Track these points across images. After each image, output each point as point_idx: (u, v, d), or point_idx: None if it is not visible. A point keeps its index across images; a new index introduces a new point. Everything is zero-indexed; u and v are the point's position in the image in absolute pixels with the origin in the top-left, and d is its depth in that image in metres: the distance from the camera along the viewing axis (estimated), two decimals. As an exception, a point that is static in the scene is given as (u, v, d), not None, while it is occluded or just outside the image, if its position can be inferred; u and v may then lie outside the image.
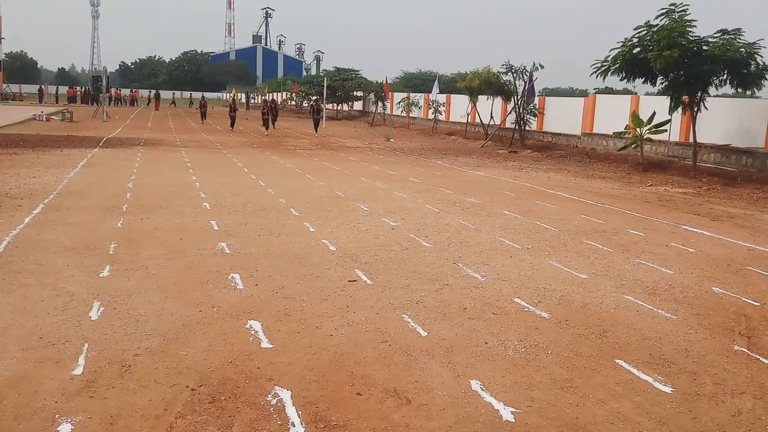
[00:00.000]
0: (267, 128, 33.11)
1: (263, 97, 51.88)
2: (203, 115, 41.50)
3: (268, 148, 24.47)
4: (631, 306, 6.70)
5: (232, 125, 35.24)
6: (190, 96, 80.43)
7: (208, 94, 78.54)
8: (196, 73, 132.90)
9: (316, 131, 34.13)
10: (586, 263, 8.38)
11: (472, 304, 6.52)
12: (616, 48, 19.41)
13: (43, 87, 69.34)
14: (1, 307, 5.85)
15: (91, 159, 17.83)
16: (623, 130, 21.85)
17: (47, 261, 7.40)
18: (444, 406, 4.34)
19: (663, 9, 18.26)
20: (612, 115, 24.66)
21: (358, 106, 56.73)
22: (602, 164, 22.06)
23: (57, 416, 3.99)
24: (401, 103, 45.32)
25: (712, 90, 19.19)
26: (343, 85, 52.68)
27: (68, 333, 5.31)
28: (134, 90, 79.50)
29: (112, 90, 70.41)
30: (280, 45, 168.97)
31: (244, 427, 3.95)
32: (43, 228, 9.03)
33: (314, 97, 49.49)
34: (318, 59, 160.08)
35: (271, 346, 5.24)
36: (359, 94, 53.00)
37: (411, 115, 44.22)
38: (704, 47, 18.07)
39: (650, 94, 26.75)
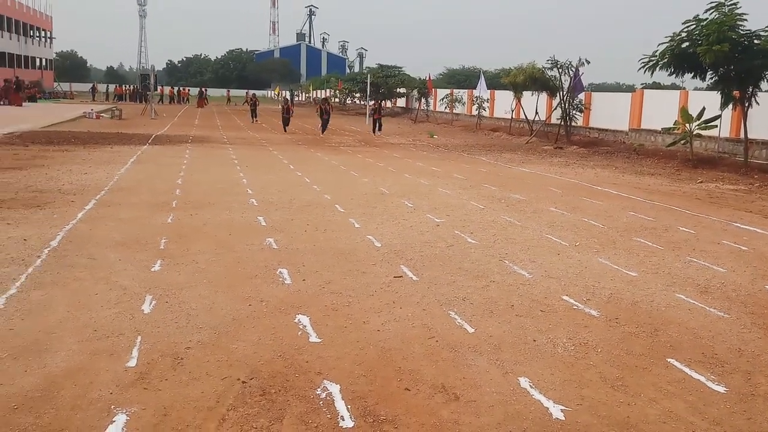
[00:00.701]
0: (324, 130, 30.81)
1: (314, 97, 50.80)
2: (253, 114, 38.87)
3: (313, 145, 24.64)
4: (683, 304, 6.58)
5: (285, 126, 31.80)
6: (228, 93, 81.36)
7: (258, 92, 79.34)
8: (241, 71, 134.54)
9: (375, 132, 32.02)
10: (636, 261, 8.25)
11: (520, 301, 6.48)
12: (665, 42, 19.04)
13: (95, 85, 70.92)
14: (57, 300, 6.01)
15: (140, 156, 18.19)
16: (672, 126, 21.43)
17: (100, 255, 7.57)
18: (493, 403, 4.33)
19: (713, 2, 17.85)
20: (660, 111, 24.21)
21: (401, 102, 56.70)
22: (650, 160, 21.68)
23: (112, 407, 4.08)
24: (445, 100, 45.18)
25: (763, 85, 18.71)
26: (386, 82, 52.68)
27: (122, 326, 5.43)
28: (183, 87, 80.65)
29: (166, 88, 71.69)
30: (323, 42, 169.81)
31: (295, 420, 4.00)
32: (96, 223, 9.24)
33: (355, 93, 49.16)
34: (361, 56, 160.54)
35: (320, 340, 5.28)
36: (402, 90, 52.95)
37: (454, 111, 44.05)
38: (756, 41, 17.60)
39: (699, 89, 26.21)
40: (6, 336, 5.11)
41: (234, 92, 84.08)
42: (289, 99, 36.76)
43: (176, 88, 75.22)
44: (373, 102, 38.29)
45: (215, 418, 3.99)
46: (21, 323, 5.39)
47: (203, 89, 66.61)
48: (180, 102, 68.46)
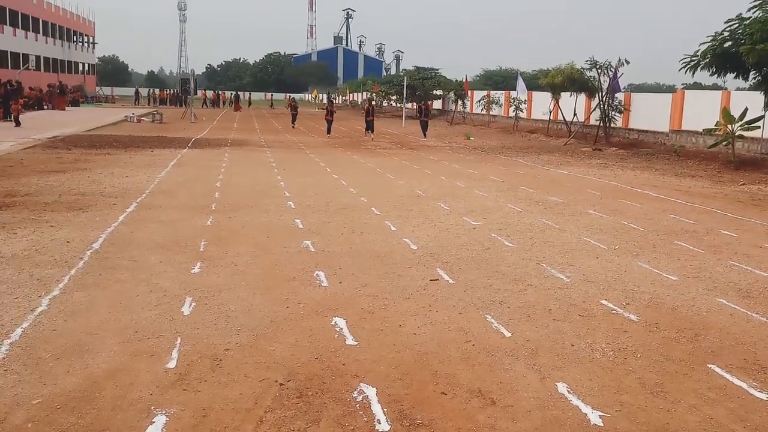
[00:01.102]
0: (371, 131, 30.05)
1: (363, 100, 50.26)
2: (293, 119, 37.20)
3: (349, 147, 24.74)
4: (724, 309, 6.46)
5: (329, 131, 30.84)
6: (271, 97, 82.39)
7: (297, 95, 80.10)
8: (279, 74, 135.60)
9: (425, 135, 31.04)
10: (676, 264, 8.12)
11: (557, 305, 6.42)
12: (706, 42, 18.73)
13: (138, 90, 72.22)
14: (99, 301, 6.13)
15: (180, 159, 18.45)
16: (713, 127, 21.02)
17: (141, 257, 7.71)
18: (530, 408, 4.30)
19: (756, 1, 17.49)
20: (701, 112, 23.77)
21: (437, 105, 56.61)
22: (691, 162, 21.31)
23: (152, 408, 4.15)
24: (481, 101, 44.98)
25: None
26: (423, 84, 52.64)
27: (162, 327, 5.52)
28: (222, 92, 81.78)
29: (208, 92, 72.85)
30: (360, 45, 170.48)
31: (331, 423, 4.02)
32: (137, 225, 9.41)
33: (392, 96, 48.80)
34: (398, 59, 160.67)
35: (356, 343, 5.31)
36: (439, 92, 52.86)
37: (491, 113, 43.83)
38: (802, 39, 17.20)
39: (741, 89, 25.69)
40: (49, 337, 5.23)
41: (270, 95, 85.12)
42: (331, 102, 35.11)
43: (216, 92, 76.48)
44: (420, 105, 37.51)
45: (253, 419, 4.04)
46: (63, 324, 5.51)
47: (238, 93, 67.68)
48: (217, 106, 69.46)
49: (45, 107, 44.25)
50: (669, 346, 5.46)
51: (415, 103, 55.84)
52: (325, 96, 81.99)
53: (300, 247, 8.44)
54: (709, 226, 10.65)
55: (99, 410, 4.08)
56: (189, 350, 5.05)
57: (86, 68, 76.78)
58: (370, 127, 30.10)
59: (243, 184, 13.85)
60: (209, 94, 74.86)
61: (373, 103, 37.93)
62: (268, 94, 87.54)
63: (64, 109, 43.84)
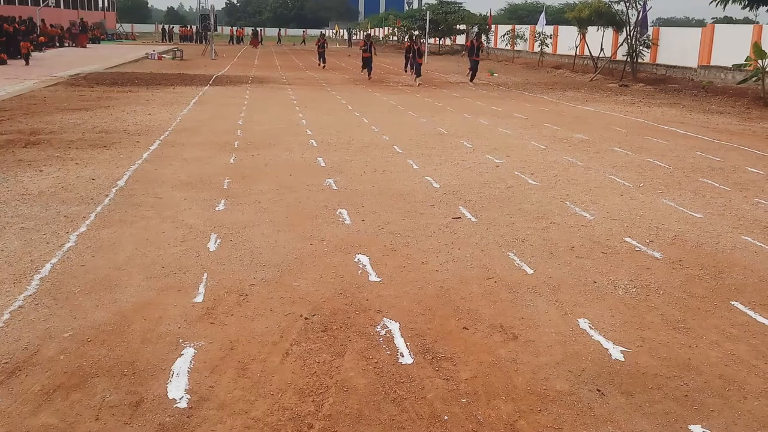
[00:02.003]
0: (418, 75, 24.79)
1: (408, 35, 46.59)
2: (321, 57, 33.65)
3: (371, 85, 24.48)
4: (749, 246, 6.41)
5: (369, 71, 26.96)
6: (304, 33, 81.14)
7: (312, 31, 78.54)
8: (299, 9, 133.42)
9: (472, 79, 26.35)
10: (702, 202, 8.05)
11: (581, 242, 6.42)
12: (740, -28, 18.08)
13: (164, 27, 71.59)
14: (125, 238, 6.22)
15: (202, 97, 18.41)
16: (743, 62, 20.47)
17: (166, 195, 7.78)
18: (551, 343, 4.35)
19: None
20: (731, 47, 23.12)
21: (460, 40, 55.58)
22: (720, 98, 20.86)
23: (180, 341, 4.25)
24: (506, 36, 44.10)
25: None
26: (446, 18, 51.62)
27: (188, 263, 5.61)
28: (241, 27, 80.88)
29: (227, 29, 71.92)
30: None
31: (356, 356, 4.10)
32: (161, 163, 9.47)
33: (414, 33, 47.26)
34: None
35: (379, 279, 5.36)
36: (462, 27, 51.84)
37: (516, 48, 43.00)
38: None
39: (776, 22, 24.89)
40: (78, 272, 5.34)
41: (291, 32, 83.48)
42: (370, 39, 28.07)
43: (235, 29, 75.63)
44: (407, 43, 29.75)
45: (279, 352, 4.13)
46: (92, 260, 5.61)
47: (256, 29, 67.02)
48: (238, 42, 68.83)
49: (66, 44, 44.14)
50: (692, 283, 5.46)
51: (437, 39, 54.75)
52: (345, 32, 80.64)
53: (323, 185, 8.46)
54: (735, 163, 10.50)
55: (128, 343, 4.19)
56: (215, 285, 5.14)
57: (106, 5, 76.04)
58: (418, 72, 24.84)
59: (265, 122, 13.82)
60: (237, 31, 73.99)
61: (418, 39, 31.66)
62: (293, 31, 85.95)
63: (85, 46, 43.72)
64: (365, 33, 37.99)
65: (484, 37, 44.69)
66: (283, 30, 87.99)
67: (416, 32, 56.45)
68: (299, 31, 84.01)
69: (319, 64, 33.77)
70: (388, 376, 3.88)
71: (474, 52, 26.25)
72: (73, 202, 7.33)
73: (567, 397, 3.72)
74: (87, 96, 17.49)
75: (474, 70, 26.40)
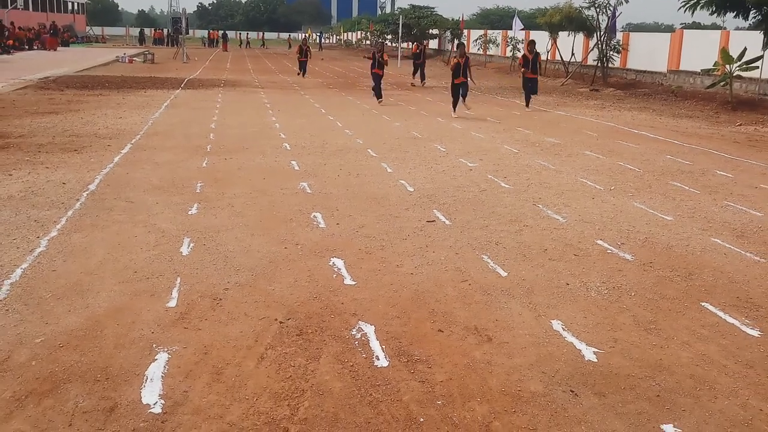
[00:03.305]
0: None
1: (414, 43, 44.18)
2: (302, 66, 28.95)
3: (343, 88, 24.49)
4: (719, 248, 6.52)
5: (379, 93, 19.34)
6: (262, 35, 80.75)
7: (284, 35, 77.91)
8: (272, 13, 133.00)
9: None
10: (672, 205, 8.17)
11: (553, 245, 6.48)
12: (708, -21, 18.39)
13: (142, 30, 70.71)
14: (97, 242, 6.15)
15: (174, 100, 18.27)
16: (712, 67, 20.81)
17: (138, 199, 7.71)
18: (525, 344, 4.38)
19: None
20: (700, 52, 23.50)
21: (433, 44, 55.80)
22: (689, 103, 21.18)
23: (154, 345, 4.22)
24: (478, 41, 44.35)
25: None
26: (419, 23, 51.80)
27: (161, 267, 5.56)
28: (211, 31, 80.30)
29: (200, 32, 70.97)
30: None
31: (331, 359, 4.10)
32: (132, 167, 9.38)
33: (387, 35, 46.40)
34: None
35: (354, 282, 5.36)
36: (435, 32, 52.05)
37: (488, 53, 43.27)
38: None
39: (741, 29, 25.37)
40: (49, 277, 5.27)
41: (266, 35, 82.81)
42: (382, 45, 21.55)
43: (209, 32, 75.09)
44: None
45: (254, 356, 4.11)
46: (63, 265, 5.54)
47: (226, 33, 66.61)
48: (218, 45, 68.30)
49: (35, 47, 43.53)
50: (663, 284, 5.54)
51: (410, 43, 54.92)
52: (317, 35, 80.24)
53: (297, 189, 8.44)
54: (705, 166, 10.67)
55: (101, 348, 4.15)
56: (189, 290, 5.10)
57: (76, 7, 75.22)
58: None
59: (238, 126, 13.75)
60: (213, 34, 73.42)
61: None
62: (264, 34, 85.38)
63: (55, 50, 43.15)
64: (377, 40, 34.60)
65: (457, 42, 44.81)
66: (251, 33, 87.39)
67: (388, 37, 56.59)
68: (273, 35, 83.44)
69: (298, 73, 29.36)
70: (364, 379, 3.88)
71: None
72: (44, 206, 7.23)
73: (541, 398, 3.75)
74: (57, 99, 17.27)
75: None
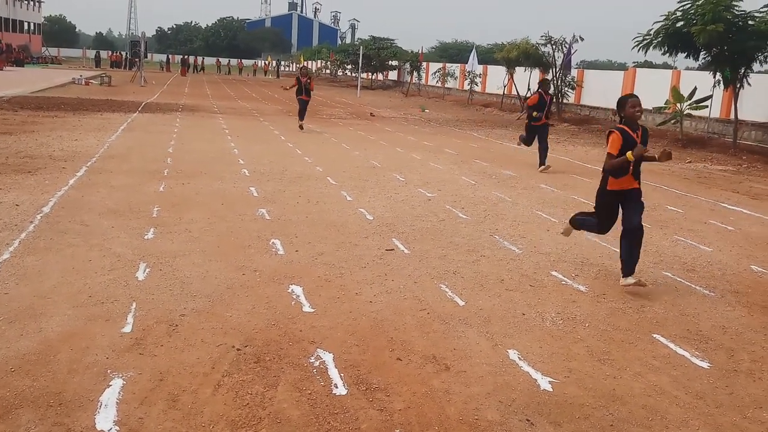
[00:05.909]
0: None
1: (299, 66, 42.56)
2: (302, 113, 19.40)
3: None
4: (669, 282, 6.69)
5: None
6: (218, 61, 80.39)
7: (246, 61, 77.67)
8: (232, 39, 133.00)
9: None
10: (624, 238, 8.34)
11: (510, 275, 6.57)
12: (659, 21, 19.03)
13: (99, 53, 69.91)
14: (51, 266, 6.04)
15: (131, 123, 18.08)
16: (663, 105, 21.48)
17: (93, 222, 7.59)
18: (482, 373, 4.43)
19: (708, -18, 17.80)
20: (652, 90, 24.20)
21: (392, 75, 56.41)
22: (640, 139, 21.71)
23: (108, 371, 4.14)
24: (437, 74, 44.98)
25: (755, 66, 18.80)
26: (379, 54, 52.43)
27: (116, 292, 5.48)
28: (170, 55, 79.87)
29: (161, 56, 70.25)
30: (315, 12, 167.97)
31: (289, 387, 4.08)
32: (88, 190, 9.24)
33: (347, 65, 45.92)
34: (353, 27, 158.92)
35: (313, 310, 5.36)
36: (394, 63, 52.68)
37: (446, 85, 43.90)
38: (750, 22, 17.63)
39: (691, 69, 26.25)
40: (1, 300, 5.15)
41: (224, 61, 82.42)
42: (307, 71, 20.68)
43: (168, 56, 74.64)
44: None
45: (211, 383, 4.07)
46: (15, 288, 5.42)
47: (185, 57, 66.33)
48: (168, 70, 67.86)
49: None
50: (616, 316, 5.65)
51: (369, 74, 55.41)
52: (275, 62, 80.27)
53: (255, 215, 8.42)
54: (656, 202, 10.95)
55: (54, 373, 4.06)
56: (144, 315, 5.04)
57: (32, 27, 74.23)
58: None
59: (196, 151, 13.67)
60: (168, 58, 73.04)
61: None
62: (222, 60, 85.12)
63: (1, 69, 42.32)
64: (300, 66, 28.98)
65: (416, 75, 45.30)
66: (207, 59, 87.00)
67: (349, 66, 56.96)
68: (234, 61, 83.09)
69: (300, 125, 19.38)
70: (322, 407, 3.87)
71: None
72: (-5, 228, 7.07)
73: (497, 426, 3.79)
74: (10, 120, 16.95)
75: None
